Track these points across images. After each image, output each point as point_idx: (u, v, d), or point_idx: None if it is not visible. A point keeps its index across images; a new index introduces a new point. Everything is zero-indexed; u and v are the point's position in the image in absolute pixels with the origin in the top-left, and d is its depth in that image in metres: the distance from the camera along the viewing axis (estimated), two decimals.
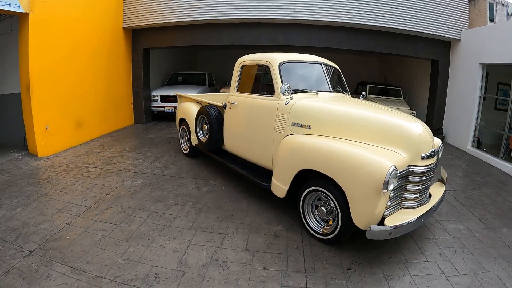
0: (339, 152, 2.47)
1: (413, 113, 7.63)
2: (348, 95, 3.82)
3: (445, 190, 3.04)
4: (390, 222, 2.31)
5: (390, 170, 2.14)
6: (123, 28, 7.00)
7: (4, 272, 2.16)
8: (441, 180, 3.22)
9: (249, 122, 3.50)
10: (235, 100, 3.67)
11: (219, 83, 10.16)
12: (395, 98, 8.39)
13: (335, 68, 3.90)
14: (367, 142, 2.54)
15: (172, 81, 9.15)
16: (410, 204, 2.57)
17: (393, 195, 2.40)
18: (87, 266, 2.28)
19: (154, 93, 7.95)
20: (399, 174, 2.32)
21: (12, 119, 4.68)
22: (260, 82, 3.47)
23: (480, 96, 6.16)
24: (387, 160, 2.24)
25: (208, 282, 2.12)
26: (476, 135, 6.28)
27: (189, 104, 4.84)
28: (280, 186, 2.91)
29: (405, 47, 6.70)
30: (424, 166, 2.51)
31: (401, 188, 2.49)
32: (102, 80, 6.38)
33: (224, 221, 2.97)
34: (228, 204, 3.35)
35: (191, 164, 4.71)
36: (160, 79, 9.39)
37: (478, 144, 6.22)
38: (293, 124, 2.92)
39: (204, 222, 2.95)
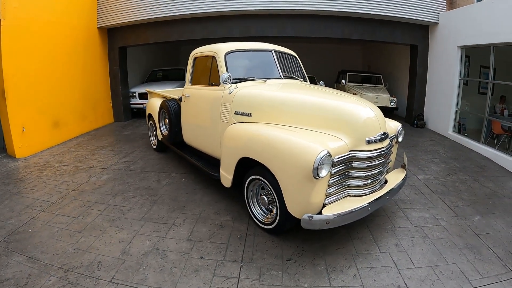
0: (271, 139, 2.50)
1: (393, 100, 7.80)
2: (306, 81, 3.88)
3: (405, 176, 3.02)
4: (329, 210, 2.27)
5: (320, 156, 2.11)
6: (98, 28, 7.25)
7: None
8: (403, 166, 3.21)
9: (200, 113, 3.67)
10: (188, 93, 3.86)
11: None
12: (376, 85, 8.56)
13: (291, 55, 3.96)
14: (307, 128, 2.55)
15: (152, 78, 9.37)
16: (358, 191, 2.53)
17: (333, 182, 2.37)
18: (41, 255, 2.57)
19: (132, 90, 8.21)
20: (336, 160, 2.29)
21: None
22: (209, 73, 3.57)
23: (460, 80, 6.29)
24: (318, 145, 2.21)
25: (144, 270, 2.32)
26: (457, 120, 6.43)
27: (155, 100, 5.07)
28: (225, 176, 3.06)
29: (381, 33, 6.82)
30: (370, 151, 2.46)
31: (344, 174, 2.45)
32: (79, 80, 6.64)
33: (175, 212, 3.20)
34: (183, 195, 3.59)
35: (158, 158, 4.98)
36: (140, 77, 9.66)
37: (460, 129, 6.38)
38: (236, 113, 3.05)
39: (156, 213, 3.18)
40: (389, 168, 3.12)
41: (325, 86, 4.19)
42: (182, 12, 6.74)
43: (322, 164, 2.15)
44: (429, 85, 7.14)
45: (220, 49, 3.41)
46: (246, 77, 3.35)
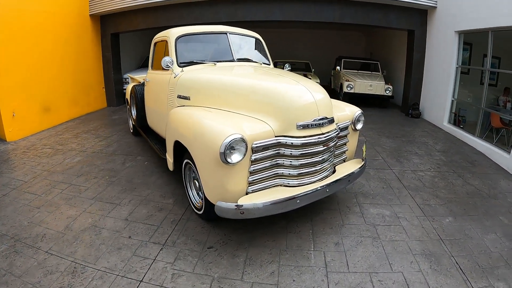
0: (191, 122, 2.55)
1: (389, 88, 7.70)
2: (269, 64, 3.88)
3: (361, 168, 2.89)
4: (247, 200, 2.21)
5: (227, 141, 2.07)
6: (90, 15, 7.62)
7: None
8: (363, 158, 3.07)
9: (155, 97, 3.89)
10: (148, 78, 4.08)
11: None
12: (373, 73, 8.46)
13: (253, 37, 3.99)
14: (238, 111, 2.52)
15: (146, 64, 9.66)
16: (290, 181, 2.43)
17: (257, 169, 2.30)
18: (4, 224, 2.92)
19: (125, 76, 8.64)
20: (257, 146, 2.23)
21: None
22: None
23: (457, 68, 6.12)
24: (229, 129, 2.16)
25: (77, 244, 2.60)
26: (454, 111, 6.31)
27: (131, 85, 5.39)
28: (168, 159, 3.26)
29: (375, 17, 6.70)
30: (302, 137, 2.35)
31: (275, 162, 2.38)
32: (70, 66, 7.05)
33: (125, 193, 3.48)
34: (140, 177, 3.87)
35: (132, 142, 5.32)
36: (136, 63, 10.05)
37: (456, 121, 6.26)
38: (178, 97, 3.19)
39: (108, 193, 3.48)
40: (346, 157, 3.08)
41: (290, 69, 4.18)
42: None
43: (232, 149, 2.11)
44: (426, 73, 6.97)
45: (171, 33, 3.53)
46: (195, 61, 3.43)
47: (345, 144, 3.05)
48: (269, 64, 3.94)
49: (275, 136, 2.34)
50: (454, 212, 3.11)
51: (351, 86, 7.88)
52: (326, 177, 2.64)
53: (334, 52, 10.68)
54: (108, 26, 7.96)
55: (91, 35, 7.77)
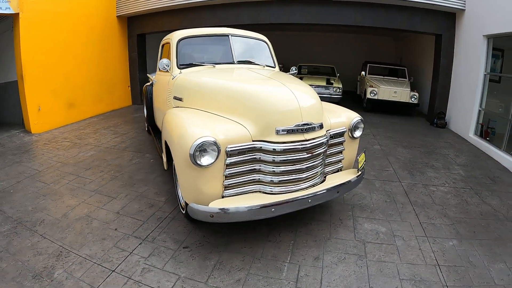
0: (173, 123, 2.62)
1: (415, 95, 7.38)
2: (273, 67, 3.89)
3: (355, 180, 2.76)
4: (219, 204, 2.23)
5: (196, 143, 2.11)
6: (117, 16, 8.16)
7: None
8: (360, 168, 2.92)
9: (159, 98, 4.08)
10: (156, 78, 4.35)
11: None
12: (399, 79, 8.16)
13: (259, 40, 4.03)
14: (222, 113, 2.56)
15: None
16: (270, 188, 2.41)
17: (233, 173, 2.32)
18: (8, 210, 3.27)
19: (150, 75, 9.11)
20: (232, 150, 2.24)
21: (17, 101, 6.23)
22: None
23: (485, 75, 5.75)
24: (201, 131, 2.22)
25: (69, 231, 2.82)
26: (480, 122, 5.92)
27: (145, 85, 5.72)
28: (163, 158, 3.35)
29: (398, 20, 6.49)
30: (281, 143, 2.31)
31: (253, 167, 2.38)
32: (96, 65, 7.58)
33: (124, 187, 3.69)
34: (141, 174, 4.07)
35: (145, 140, 5.57)
36: None
37: (482, 133, 5.87)
38: (174, 98, 3.34)
39: (108, 187, 3.70)
40: (341, 167, 2.96)
41: (296, 73, 4.24)
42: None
43: (204, 152, 2.15)
44: (453, 80, 6.59)
45: (174, 36, 3.71)
46: (194, 63, 3.55)
47: (340, 152, 2.93)
48: (274, 67, 3.95)
49: (253, 141, 2.33)
50: (461, 234, 2.86)
51: (375, 92, 7.66)
52: (314, 186, 2.56)
53: (363, 57, 10.47)
54: (135, 27, 8.46)
55: (118, 36, 8.31)
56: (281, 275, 2.26)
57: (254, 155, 2.37)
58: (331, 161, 2.88)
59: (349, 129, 2.91)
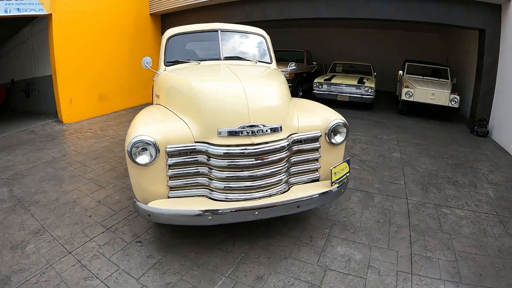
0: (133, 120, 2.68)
1: (455, 98, 6.73)
2: (270, 63, 3.80)
3: (325, 195, 2.49)
4: (158, 204, 2.28)
5: (133, 140, 2.19)
6: (150, 14, 8.83)
7: None
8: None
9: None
10: (154, 76, 4.68)
11: None
12: (440, 80, 7.47)
13: (253, 34, 3.96)
14: (178, 112, 2.58)
15: None
16: (216, 194, 2.37)
17: (177, 174, 2.35)
18: (16, 190, 3.75)
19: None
20: (171, 150, 2.28)
21: (53, 93, 7.15)
22: None
23: None
24: (142, 129, 2.28)
25: (54, 213, 3.22)
26: None
27: None
28: None
29: (434, 12, 5.95)
30: (222, 146, 2.27)
31: (196, 169, 2.38)
32: (128, 61, 8.30)
33: (116, 179, 4.03)
34: None
35: None
36: None
37: None
38: (155, 95, 3.53)
39: (104, 177, 4.08)
40: (319, 177, 2.74)
41: (295, 68, 4.09)
42: None
43: (144, 150, 2.22)
44: (498, 82, 5.80)
45: (166, 33, 3.87)
46: (180, 60, 3.64)
47: (316, 160, 2.70)
48: (270, 63, 3.85)
49: (195, 142, 2.32)
50: (461, 276, 2.34)
51: (410, 94, 7.14)
52: (271, 196, 2.43)
53: (405, 56, 9.81)
54: (167, 24, 9.04)
55: (151, 33, 8.99)
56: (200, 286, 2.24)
57: (197, 157, 2.34)
58: (302, 170, 2.67)
59: (326, 134, 2.64)
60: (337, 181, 2.57)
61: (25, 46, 8.04)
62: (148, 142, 2.22)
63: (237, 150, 2.28)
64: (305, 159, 2.66)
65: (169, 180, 2.37)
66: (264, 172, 2.37)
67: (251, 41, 3.98)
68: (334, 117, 2.70)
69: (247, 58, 3.72)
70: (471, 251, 2.69)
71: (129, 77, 8.45)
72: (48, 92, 7.16)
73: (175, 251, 2.63)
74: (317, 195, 2.46)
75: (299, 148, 2.61)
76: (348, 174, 2.69)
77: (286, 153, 2.48)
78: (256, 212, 2.26)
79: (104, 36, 7.61)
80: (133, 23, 8.48)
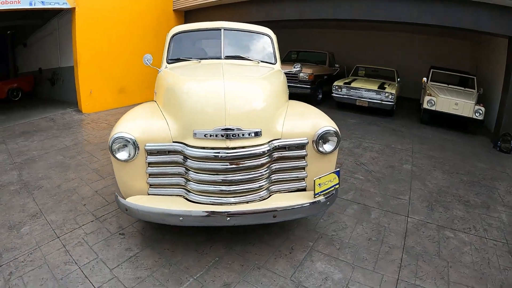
0: None
1: (480, 110, 6.40)
2: (273, 63, 3.77)
3: (307, 206, 2.40)
4: (135, 200, 2.37)
5: (113, 137, 2.31)
6: (174, 10, 9.11)
7: None
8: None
9: None
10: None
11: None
12: (466, 89, 7.12)
13: (258, 33, 3.94)
14: (164, 110, 2.63)
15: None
16: (192, 195, 2.41)
17: (154, 173, 2.44)
18: (25, 174, 4.07)
19: None
20: (150, 148, 2.35)
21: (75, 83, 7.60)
22: None
23: None
24: (124, 126, 2.39)
25: (54, 198, 3.48)
26: None
27: None
28: None
29: (460, 17, 5.69)
30: (197, 148, 2.30)
31: (175, 169, 2.43)
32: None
33: None
34: None
35: None
36: None
37: None
38: (154, 92, 3.60)
39: (106, 168, 4.29)
40: (305, 186, 2.65)
41: (300, 70, 3.99)
42: None
43: (118, 146, 2.33)
44: None
45: (171, 30, 4.00)
46: (182, 58, 3.72)
47: (302, 168, 2.62)
48: (274, 63, 3.81)
49: (173, 142, 2.36)
50: None
51: (432, 102, 6.87)
52: (248, 202, 2.40)
53: (436, 62, 9.45)
54: (190, 20, 9.27)
55: None
56: None
57: (175, 157, 2.39)
58: (285, 178, 2.60)
59: (313, 141, 2.53)
60: (321, 193, 2.44)
61: (52, 37, 8.60)
62: (128, 139, 2.32)
63: (211, 153, 2.28)
64: (289, 166, 2.58)
65: (149, 177, 2.45)
66: (240, 177, 2.35)
67: (256, 40, 3.97)
68: (324, 123, 2.57)
69: (249, 58, 3.69)
70: (468, 283, 2.47)
71: (149, 72, 8.74)
72: (71, 82, 7.61)
73: (154, 246, 2.73)
74: (297, 206, 2.37)
75: (282, 155, 2.53)
76: (337, 186, 2.56)
77: (267, 159, 2.43)
78: (228, 218, 2.25)
79: (126, 30, 7.96)
80: (157, 18, 8.79)
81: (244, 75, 3.02)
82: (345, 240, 2.93)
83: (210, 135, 2.26)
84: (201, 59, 3.66)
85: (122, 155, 2.36)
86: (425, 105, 7.02)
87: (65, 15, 7.49)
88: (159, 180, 2.48)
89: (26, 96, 10.31)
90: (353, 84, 8.02)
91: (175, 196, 2.48)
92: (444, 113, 6.78)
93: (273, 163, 2.53)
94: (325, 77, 9.29)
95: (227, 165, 2.30)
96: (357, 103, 7.96)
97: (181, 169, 2.43)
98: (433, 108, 6.88)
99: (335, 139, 2.58)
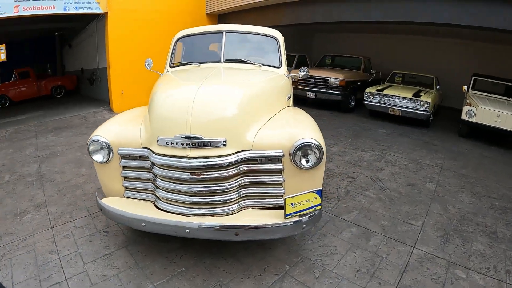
0: None
1: None
2: (278, 67, 3.70)
3: (273, 227, 2.25)
4: (109, 201, 2.51)
5: (91, 139, 2.49)
6: (207, 14, 9.47)
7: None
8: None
9: None
10: None
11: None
12: (510, 99, 6.41)
13: (263, 35, 3.90)
14: (146, 115, 2.66)
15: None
16: (160, 202, 2.48)
17: (130, 177, 2.57)
18: (43, 167, 4.58)
19: None
20: (122, 152, 2.48)
21: None
22: None
23: None
24: (103, 129, 2.57)
25: (60, 192, 3.84)
26: None
27: None
28: None
29: (505, 18, 5.23)
30: (160, 155, 2.33)
31: (146, 174, 2.52)
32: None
33: None
34: None
35: None
36: None
37: None
38: None
39: None
40: (282, 203, 2.43)
41: (307, 73, 3.83)
42: None
43: (92, 148, 2.50)
44: None
45: (176, 35, 4.14)
46: (183, 62, 3.85)
47: (279, 184, 2.48)
48: (279, 67, 3.72)
49: (142, 147, 2.44)
50: None
51: (472, 113, 6.31)
52: (213, 216, 2.40)
53: (484, 70, 8.73)
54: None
55: None
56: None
57: (145, 162, 2.47)
58: (258, 193, 2.52)
59: (290, 154, 2.35)
60: (295, 214, 2.26)
61: (92, 39, 9.41)
62: (103, 142, 2.47)
63: (172, 161, 2.28)
64: (263, 181, 2.47)
65: (124, 180, 2.59)
66: (203, 188, 2.33)
67: (260, 43, 3.93)
68: (303, 135, 2.35)
69: (250, 62, 3.63)
70: None
71: None
72: (106, 82, 8.25)
73: (129, 248, 2.85)
74: (266, 226, 2.24)
75: (253, 168, 2.42)
76: (318, 207, 2.33)
77: (234, 171, 2.35)
78: (187, 230, 2.22)
79: (158, 34, 8.45)
80: (189, 22, 9.17)
81: (229, 80, 2.99)
82: (328, 269, 2.65)
83: (171, 143, 2.25)
84: (201, 63, 3.67)
85: (98, 157, 2.52)
86: (463, 116, 6.49)
87: (102, 18, 8.16)
88: (132, 184, 2.61)
89: (69, 93, 11.39)
90: (386, 91, 7.68)
91: (147, 202, 2.57)
92: (484, 126, 6.21)
93: (243, 176, 2.44)
94: (359, 83, 9.01)
95: (187, 174, 2.28)
96: (389, 112, 7.60)
97: (150, 175, 2.51)
98: (472, 119, 6.34)
99: (317, 153, 2.34)
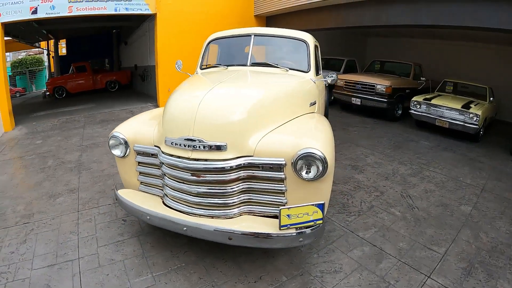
0: None
1: None
2: (306, 72, 3.66)
3: (269, 239, 2.25)
4: (124, 193, 2.74)
5: (111, 135, 2.72)
6: (255, 15, 9.67)
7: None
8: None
9: None
10: None
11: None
12: None
13: (292, 39, 3.89)
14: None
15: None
16: (167, 199, 2.62)
17: (145, 172, 2.77)
18: (87, 155, 5.15)
19: None
20: (137, 149, 2.69)
21: None
22: None
23: None
24: (122, 126, 2.80)
25: (93, 180, 4.27)
26: None
27: None
28: None
29: None
30: (167, 154, 2.46)
31: (160, 170, 2.64)
32: None
33: None
34: None
35: None
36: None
37: None
38: None
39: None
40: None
41: (335, 79, 3.70)
42: None
43: (120, 144, 2.72)
44: None
45: (209, 37, 4.30)
46: (212, 64, 4.00)
47: (281, 193, 2.46)
48: (307, 71, 3.68)
49: (154, 146, 2.61)
50: None
51: None
52: (213, 217, 2.47)
53: None
54: (271, 26, 9.73)
55: None
56: (133, 280, 2.56)
57: (156, 160, 2.64)
58: (259, 200, 2.53)
59: (292, 163, 2.30)
60: (291, 226, 2.22)
61: (145, 38, 10.16)
62: (120, 139, 2.72)
63: (175, 161, 2.40)
64: (264, 188, 2.47)
65: (139, 175, 2.83)
66: (201, 190, 2.41)
67: (288, 46, 3.94)
68: (308, 144, 2.28)
69: (276, 65, 3.62)
70: None
71: None
72: (155, 79, 8.88)
73: (140, 237, 3.07)
74: (255, 234, 2.24)
75: (254, 175, 2.42)
76: (319, 222, 2.24)
77: (234, 176, 2.38)
78: (185, 228, 2.34)
79: (205, 35, 8.74)
80: (237, 24, 9.48)
81: (242, 85, 3.03)
82: (326, 287, 2.55)
83: (176, 144, 2.37)
84: (228, 65, 3.76)
85: (117, 151, 2.78)
86: None
87: (152, 19, 8.79)
88: (146, 179, 2.82)
89: (123, 88, 12.38)
90: (434, 101, 7.24)
91: (157, 197, 2.76)
92: None
93: (244, 182, 2.46)
94: (407, 91, 8.59)
95: (188, 175, 2.37)
96: (436, 123, 7.15)
97: (160, 172, 2.67)
98: None
99: (320, 165, 2.25)
